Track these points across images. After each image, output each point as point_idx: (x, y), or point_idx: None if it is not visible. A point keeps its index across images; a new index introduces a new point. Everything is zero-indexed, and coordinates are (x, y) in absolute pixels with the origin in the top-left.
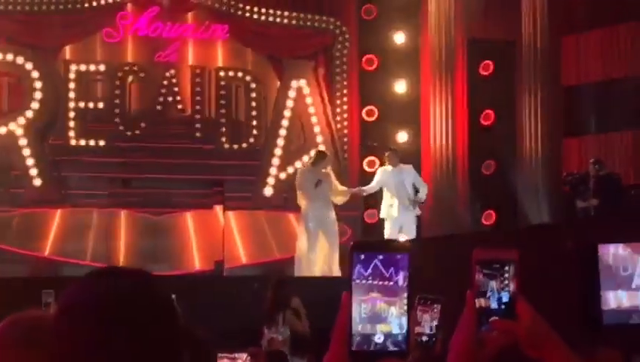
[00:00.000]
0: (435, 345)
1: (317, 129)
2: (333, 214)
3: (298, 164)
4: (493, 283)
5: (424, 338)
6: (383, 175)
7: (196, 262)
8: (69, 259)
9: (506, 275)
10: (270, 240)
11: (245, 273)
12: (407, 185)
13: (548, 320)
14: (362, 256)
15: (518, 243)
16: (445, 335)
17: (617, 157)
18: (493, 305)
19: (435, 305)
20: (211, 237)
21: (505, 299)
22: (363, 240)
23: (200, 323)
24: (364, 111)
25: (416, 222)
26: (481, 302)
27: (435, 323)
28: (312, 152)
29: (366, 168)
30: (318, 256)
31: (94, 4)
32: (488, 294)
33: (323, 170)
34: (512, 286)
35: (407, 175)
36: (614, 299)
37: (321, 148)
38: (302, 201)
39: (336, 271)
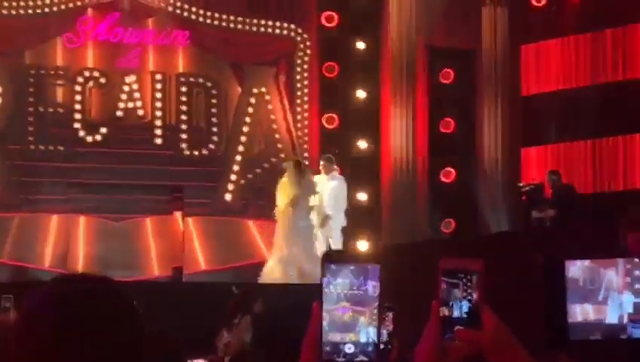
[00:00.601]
0: (391, 352)
1: (277, 136)
2: None
3: (258, 171)
4: (458, 293)
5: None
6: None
7: (155, 268)
8: (28, 263)
9: (470, 284)
10: (229, 246)
11: (205, 279)
12: (327, 195)
13: (512, 328)
14: (333, 266)
15: (479, 252)
16: (405, 343)
17: (576, 166)
18: (458, 313)
19: (388, 313)
20: (171, 243)
21: (469, 309)
22: (335, 250)
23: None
24: (324, 118)
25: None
26: (445, 311)
27: (386, 330)
28: (290, 163)
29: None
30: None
31: (55, 8)
32: (452, 303)
33: None
34: (476, 296)
35: (332, 186)
36: (581, 313)
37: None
38: (290, 208)
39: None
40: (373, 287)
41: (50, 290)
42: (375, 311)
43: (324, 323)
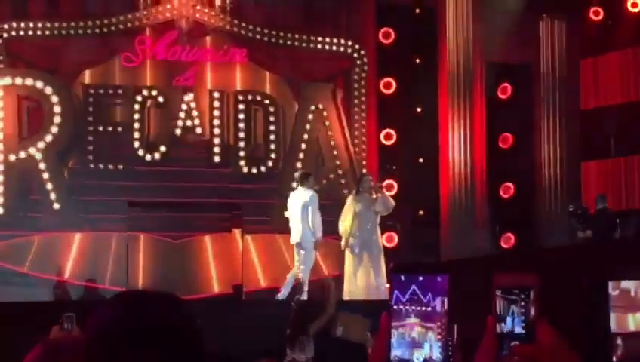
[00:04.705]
0: None
1: (335, 152)
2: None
3: (317, 187)
4: (514, 308)
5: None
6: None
7: (215, 285)
8: (89, 282)
9: (527, 300)
10: (289, 263)
11: (264, 296)
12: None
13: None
14: (402, 278)
15: (538, 267)
16: (465, 359)
17: (638, 180)
18: (514, 329)
19: (452, 326)
20: (230, 261)
21: (525, 324)
22: (403, 262)
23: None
24: (382, 134)
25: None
26: (501, 326)
27: (450, 344)
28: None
29: (385, 192)
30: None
31: (113, 28)
32: (509, 318)
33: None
34: (532, 311)
35: (304, 201)
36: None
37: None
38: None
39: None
40: (441, 301)
41: (115, 308)
42: (444, 326)
43: (393, 339)
